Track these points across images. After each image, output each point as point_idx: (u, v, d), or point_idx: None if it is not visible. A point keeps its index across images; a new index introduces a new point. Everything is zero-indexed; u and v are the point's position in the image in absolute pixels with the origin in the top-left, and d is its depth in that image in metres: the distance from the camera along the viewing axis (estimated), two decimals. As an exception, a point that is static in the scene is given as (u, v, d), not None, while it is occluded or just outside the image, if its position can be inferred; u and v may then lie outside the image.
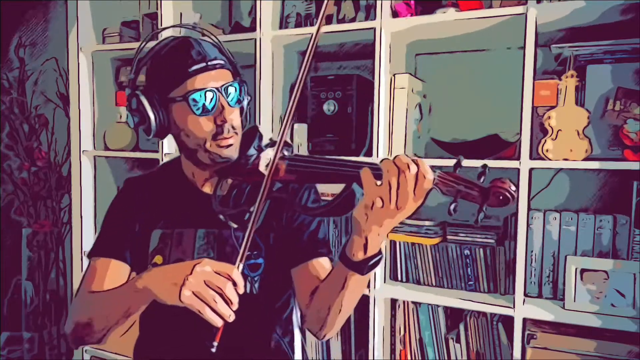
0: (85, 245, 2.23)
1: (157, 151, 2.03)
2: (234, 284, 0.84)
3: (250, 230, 0.88)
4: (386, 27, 1.65)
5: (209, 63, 1.01)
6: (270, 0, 1.86)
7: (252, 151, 1.03)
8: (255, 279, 1.09)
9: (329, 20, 1.84)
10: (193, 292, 0.83)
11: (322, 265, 1.10)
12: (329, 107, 1.78)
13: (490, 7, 1.60)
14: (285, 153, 0.97)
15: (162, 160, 2.01)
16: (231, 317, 0.83)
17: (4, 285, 2.81)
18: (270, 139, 1.04)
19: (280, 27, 1.90)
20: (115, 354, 2.12)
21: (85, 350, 2.25)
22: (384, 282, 1.77)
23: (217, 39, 1.09)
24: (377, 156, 1.67)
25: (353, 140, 1.77)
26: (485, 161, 1.57)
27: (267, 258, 1.10)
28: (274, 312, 1.16)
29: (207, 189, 1.11)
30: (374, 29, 1.65)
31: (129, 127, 2.17)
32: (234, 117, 1.02)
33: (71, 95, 2.24)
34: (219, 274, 0.84)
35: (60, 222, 2.72)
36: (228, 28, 2.09)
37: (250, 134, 1.07)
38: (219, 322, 0.83)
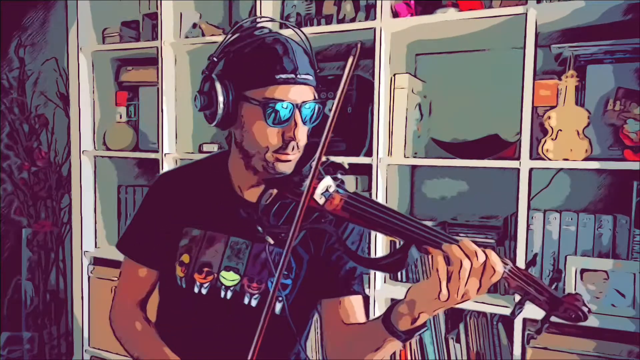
0: (85, 245, 2.23)
1: (157, 151, 2.03)
2: None
3: (281, 266, 0.81)
4: (386, 27, 1.65)
5: (298, 77, 0.95)
6: (270, 0, 1.86)
7: (307, 170, 0.96)
8: (280, 298, 1.05)
9: (328, 20, 1.84)
10: None
11: (353, 305, 1.07)
12: (329, 107, 1.78)
13: (490, 7, 1.60)
14: (338, 181, 0.91)
15: (162, 160, 2.01)
16: None
17: (4, 285, 2.81)
18: (327, 159, 0.96)
19: (281, 28, 1.89)
20: (115, 354, 2.12)
21: (85, 350, 2.25)
22: (384, 282, 1.77)
23: (310, 45, 1.02)
24: (377, 156, 1.67)
25: (353, 140, 1.77)
26: (486, 161, 1.60)
27: (296, 280, 1.07)
28: (297, 333, 1.11)
29: (249, 196, 1.06)
30: (374, 29, 1.65)
31: (129, 127, 2.20)
32: (302, 136, 0.97)
33: (71, 95, 2.24)
34: None
35: (60, 222, 2.72)
36: (228, 28, 2.09)
37: (310, 151, 0.98)
38: None
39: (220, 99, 0.95)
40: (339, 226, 1.02)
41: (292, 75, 0.94)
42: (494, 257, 0.78)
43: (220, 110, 0.96)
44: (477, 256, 0.77)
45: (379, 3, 1.65)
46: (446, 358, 1.70)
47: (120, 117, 2.20)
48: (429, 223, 1.72)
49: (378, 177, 1.67)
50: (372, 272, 1.67)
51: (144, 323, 1.13)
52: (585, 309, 0.76)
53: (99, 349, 2.21)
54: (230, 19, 2.25)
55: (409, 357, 1.75)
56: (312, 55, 1.01)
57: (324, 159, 0.88)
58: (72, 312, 2.32)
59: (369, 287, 1.69)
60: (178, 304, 1.12)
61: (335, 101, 0.82)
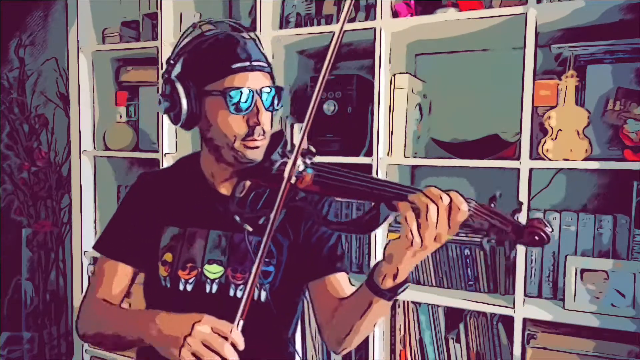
0: (85, 245, 2.23)
1: (157, 151, 2.03)
2: (235, 339, 0.86)
3: (262, 252, 0.87)
4: (386, 27, 1.65)
5: (253, 63, 1.00)
6: (270, 0, 1.86)
7: (276, 156, 1.01)
8: (265, 286, 1.08)
9: (328, 20, 1.84)
10: (192, 353, 0.86)
11: (340, 281, 1.09)
12: (329, 107, 1.78)
13: (490, 7, 1.60)
14: (308, 162, 0.95)
15: (162, 160, 2.01)
16: None
17: (4, 285, 2.81)
18: (293, 145, 1.03)
19: (280, 27, 1.90)
20: (115, 353, 2.12)
21: (85, 350, 2.25)
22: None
23: (260, 42, 1.08)
24: (377, 156, 1.67)
25: (353, 140, 1.77)
26: (486, 161, 1.60)
27: (278, 267, 1.09)
28: (285, 319, 1.16)
29: (224, 189, 1.10)
30: (374, 29, 1.65)
31: (129, 127, 2.20)
32: (265, 121, 1.01)
33: (71, 95, 2.24)
34: (217, 333, 0.86)
35: (60, 222, 2.72)
36: (228, 28, 2.09)
37: (277, 139, 1.05)
38: None
39: (183, 98, 1.00)
40: (316, 206, 1.07)
41: (247, 63, 0.99)
42: (458, 198, 0.81)
43: (184, 110, 1.00)
44: (442, 199, 0.80)
45: (379, 3, 1.65)
46: (446, 358, 1.70)
47: (120, 117, 2.20)
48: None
49: (378, 177, 1.67)
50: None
51: (109, 304, 1.12)
52: (548, 230, 0.79)
53: (99, 349, 2.21)
54: (230, 18, 2.25)
55: (409, 357, 1.75)
56: (262, 50, 1.07)
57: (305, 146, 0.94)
58: (72, 312, 2.32)
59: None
60: (164, 304, 1.11)
61: (326, 63, 0.87)
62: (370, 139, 1.72)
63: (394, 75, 1.69)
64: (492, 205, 0.82)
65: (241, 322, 0.87)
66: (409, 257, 0.86)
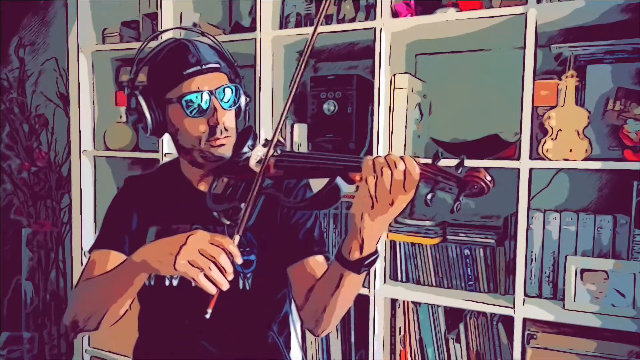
0: (86, 245, 2.23)
1: (157, 151, 2.03)
2: (231, 255, 0.85)
3: (247, 206, 0.90)
4: (386, 27, 1.65)
5: (204, 66, 1.03)
6: (270, 0, 1.86)
7: (245, 150, 1.06)
8: (248, 275, 1.10)
9: (328, 20, 1.84)
10: (188, 261, 0.84)
11: (318, 263, 1.11)
12: (329, 107, 1.78)
13: (490, 7, 1.60)
14: (278, 151, 0.99)
15: (162, 160, 2.01)
16: (225, 286, 0.84)
17: (4, 285, 2.81)
18: (266, 139, 1.06)
19: (280, 27, 1.90)
20: (115, 353, 2.12)
21: (85, 350, 2.25)
22: (384, 282, 1.77)
23: (216, 40, 1.11)
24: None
25: (353, 140, 1.77)
26: (485, 161, 1.60)
27: (260, 255, 1.12)
28: (269, 309, 1.17)
29: (203, 187, 1.14)
30: (374, 29, 1.65)
31: (129, 127, 2.20)
32: (226, 119, 1.05)
33: (71, 95, 2.24)
34: (213, 244, 0.85)
35: (60, 222, 2.72)
36: (228, 28, 2.09)
37: (245, 134, 1.09)
38: (212, 290, 0.83)
39: (146, 110, 1.07)
40: (289, 194, 1.13)
41: (198, 67, 1.03)
42: (412, 163, 0.83)
43: (149, 121, 1.07)
44: (396, 164, 0.83)
45: (379, 3, 1.65)
46: (446, 358, 1.70)
47: (120, 117, 2.20)
48: (428, 223, 1.75)
49: (378, 177, 1.67)
50: (371, 270, 1.66)
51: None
52: (487, 179, 0.82)
53: (99, 349, 2.21)
54: (230, 19, 2.25)
55: (409, 357, 1.75)
56: (222, 49, 1.11)
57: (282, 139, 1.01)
58: (72, 312, 2.31)
59: (369, 287, 1.69)
60: (153, 301, 1.15)
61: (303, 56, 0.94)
62: (370, 139, 1.72)
63: (394, 75, 1.69)
64: (459, 171, 0.84)
65: (237, 237, 0.87)
66: (368, 222, 0.86)
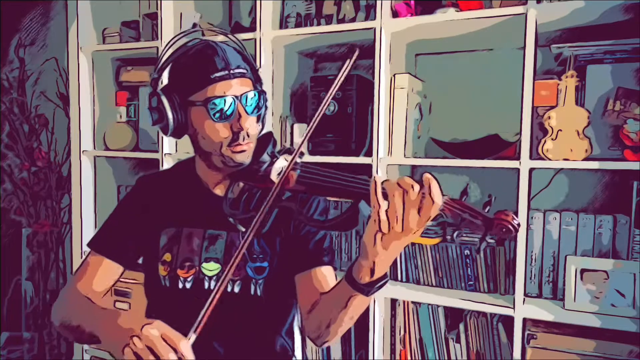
0: (85, 246, 2.23)
1: (157, 151, 2.03)
2: (182, 355, 0.83)
3: (258, 218, 0.89)
4: (386, 27, 1.65)
5: (231, 71, 1.02)
6: (270, 0, 1.86)
7: (265, 157, 1.04)
8: (260, 282, 1.10)
9: (328, 20, 1.84)
10: (134, 352, 0.83)
11: (325, 274, 1.10)
12: (329, 107, 1.78)
13: (490, 7, 1.60)
14: (298, 160, 0.97)
15: (162, 160, 2.01)
16: None
17: (4, 285, 2.81)
18: (283, 146, 1.05)
19: (281, 27, 1.90)
20: (115, 354, 2.12)
21: (85, 351, 2.25)
22: (384, 282, 1.77)
23: (241, 44, 1.10)
24: (377, 156, 1.67)
25: (353, 140, 1.77)
26: (485, 161, 1.60)
27: (272, 262, 1.12)
28: (279, 316, 1.17)
29: (219, 191, 1.13)
30: (374, 29, 1.65)
31: (129, 127, 2.20)
32: (249, 125, 1.04)
33: (71, 95, 2.24)
34: (166, 340, 0.83)
35: (60, 222, 2.72)
36: (228, 28, 2.09)
37: (265, 140, 1.08)
38: None
39: (169, 110, 1.04)
40: (304, 205, 1.11)
41: (226, 72, 1.02)
42: (435, 189, 0.80)
43: (171, 121, 1.04)
44: (412, 188, 0.81)
45: (378, 3, 1.65)
46: (446, 358, 1.70)
47: (120, 117, 2.20)
48: (428, 223, 1.74)
49: (378, 177, 1.67)
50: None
51: (83, 297, 1.11)
52: (515, 222, 0.81)
53: (99, 349, 2.21)
54: (230, 19, 2.25)
55: (409, 357, 1.75)
56: (246, 53, 1.10)
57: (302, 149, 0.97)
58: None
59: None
60: (165, 303, 1.14)
61: (324, 101, 0.96)
62: (370, 138, 1.72)
63: (394, 75, 1.69)
64: (464, 199, 0.84)
65: (193, 336, 0.85)
66: (380, 248, 0.85)
